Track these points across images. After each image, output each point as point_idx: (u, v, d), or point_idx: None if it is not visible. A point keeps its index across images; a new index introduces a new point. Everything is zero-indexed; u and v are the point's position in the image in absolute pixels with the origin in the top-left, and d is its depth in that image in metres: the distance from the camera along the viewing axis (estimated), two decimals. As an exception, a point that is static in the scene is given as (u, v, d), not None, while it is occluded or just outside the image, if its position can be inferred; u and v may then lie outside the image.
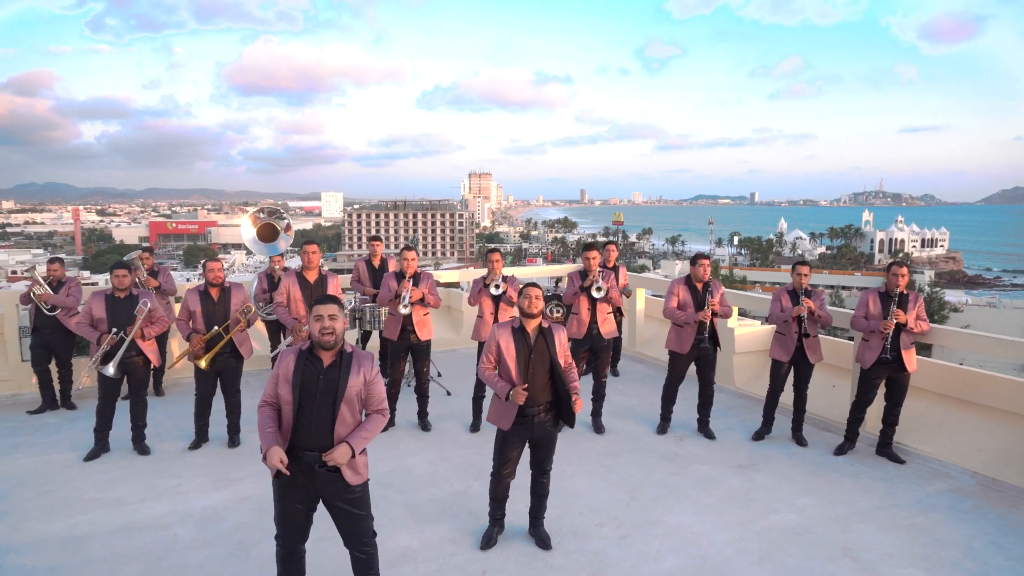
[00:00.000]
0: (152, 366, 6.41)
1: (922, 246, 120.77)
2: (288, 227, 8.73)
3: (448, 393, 8.06)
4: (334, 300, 3.51)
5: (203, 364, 6.09)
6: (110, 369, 5.89)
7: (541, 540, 4.64)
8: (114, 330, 5.95)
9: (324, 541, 4.34)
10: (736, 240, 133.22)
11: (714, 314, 6.38)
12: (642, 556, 4.49)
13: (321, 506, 3.64)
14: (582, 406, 4.46)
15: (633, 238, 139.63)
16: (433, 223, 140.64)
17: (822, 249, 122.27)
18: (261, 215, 8.72)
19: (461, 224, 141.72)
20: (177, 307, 8.74)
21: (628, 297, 8.74)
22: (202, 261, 6.41)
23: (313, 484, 3.49)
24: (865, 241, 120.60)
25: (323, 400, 3.45)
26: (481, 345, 6.81)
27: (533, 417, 4.45)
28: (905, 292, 5.88)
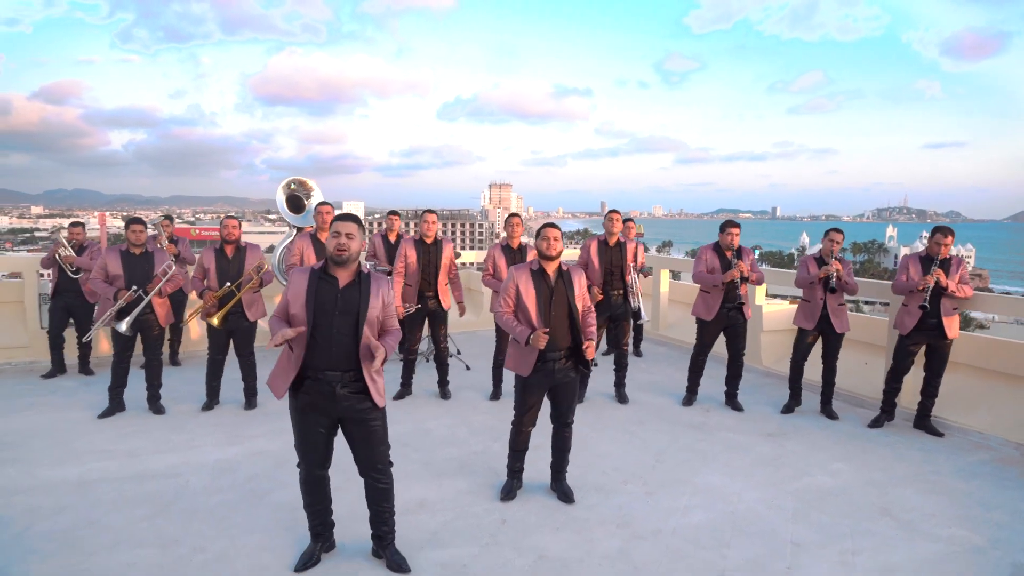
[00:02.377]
0: (165, 328, 6.28)
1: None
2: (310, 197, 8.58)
3: (467, 368, 7.91)
4: (354, 219, 3.40)
5: (215, 321, 5.98)
6: (123, 326, 5.79)
7: (563, 494, 4.45)
8: (134, 287, 5.86)
9: (337, 491, 4.18)
10: (758, 254, 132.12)
11: (744, 279, 6.14)
12: (669, 511, 4.29)
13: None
14: (594, 353, 4.28)
15: (653, 251, 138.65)
16: (453, 232, 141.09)
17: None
18: (292, 185, 8.60)
19: (481, 234, 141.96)
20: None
21: (646, 277, 8.52)
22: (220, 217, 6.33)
23: (334, 406, 3.38)
24: (889, 257, 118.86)
25: (343, 320, 3.33)
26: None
27: (554, 363, 4.27)
28: (948, 258, 5.64)
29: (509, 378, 6.59)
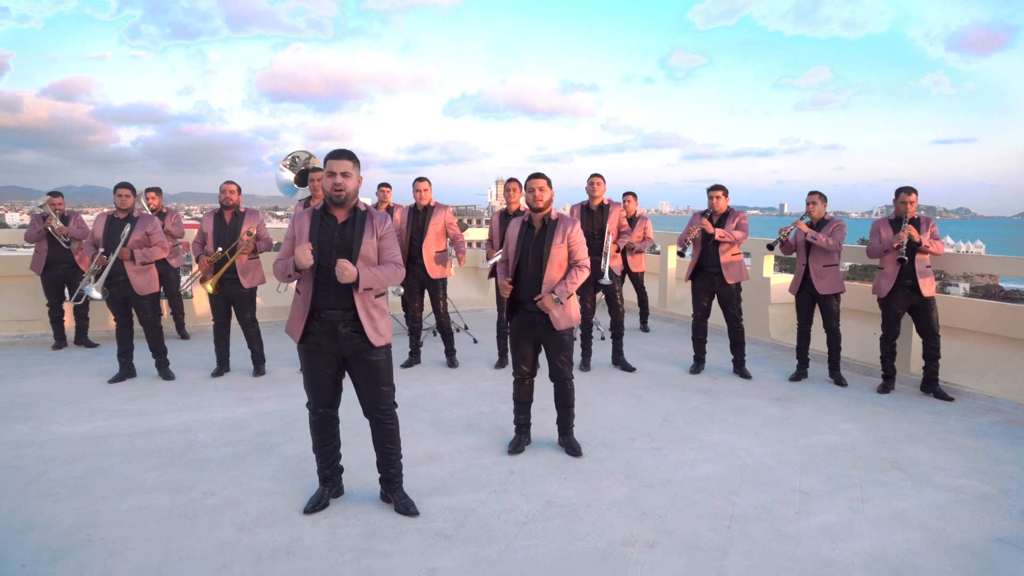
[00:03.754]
0: (151, 296, 6.16)
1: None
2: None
3: (475, 341, 7.91)
4: (349, 156, 3.34)
5: (209, 287, 5.97)
6: (94, 292, 5.77)
7: (571, 448, 4.45)
8: (101, 250, 5.85)
9: (347, 445, 4.20)
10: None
11: (707, 236, 6.18)
12: (678, 464, 4.28)
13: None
14: (550, 304, 4.15)
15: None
16: (460, 220, 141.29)
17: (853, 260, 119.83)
18: (296, 161, 8.57)
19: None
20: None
21: (642, 252, 8.55)
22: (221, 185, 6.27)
23: (337, 345, 3.38)
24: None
25: (340, 258, 3.29)
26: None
27: (534, 315, 4.26)
28: (916, 217, 5.69)
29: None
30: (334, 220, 3.38)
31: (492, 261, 6.21)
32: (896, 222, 5.76)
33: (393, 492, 3.65)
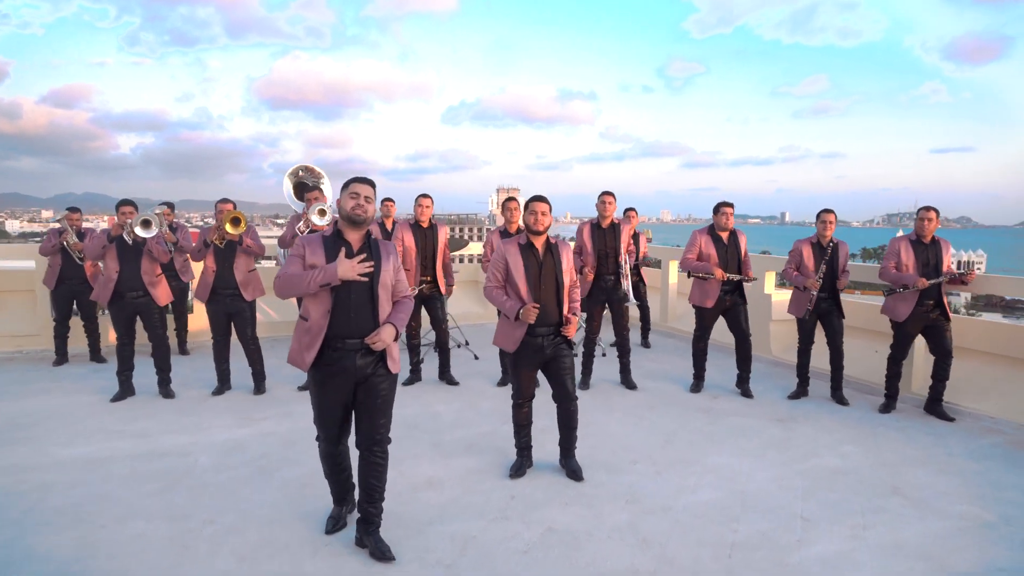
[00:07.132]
0: (165, 308, 6.38)
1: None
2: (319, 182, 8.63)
3: (476, 357, 7.91)
4: (371, 183, 3.39)
5: (229, 227, 5.97)
6: (139, 228, 5.86)
7: (572, 471, 4.44)
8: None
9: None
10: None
11: (745, 280, 6.16)
12: (679, 489, 4.28)
13: None
14: (574, 332, 4.31)
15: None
16: (461, 236, 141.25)
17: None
18: (300, 172, 8.63)
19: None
20: (196, 267, 8.77)
21: (647, 266, 8.62)
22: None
23: (353, 375, 3.33)
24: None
25: (359, 286, 3.29)
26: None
27: (543, 338, 4.26)
28: (936, 239, 5.65)
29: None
30: (350, 247, 3.35)
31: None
32: (918, 244, 5.65)
33: (369, 535, 3.47)
